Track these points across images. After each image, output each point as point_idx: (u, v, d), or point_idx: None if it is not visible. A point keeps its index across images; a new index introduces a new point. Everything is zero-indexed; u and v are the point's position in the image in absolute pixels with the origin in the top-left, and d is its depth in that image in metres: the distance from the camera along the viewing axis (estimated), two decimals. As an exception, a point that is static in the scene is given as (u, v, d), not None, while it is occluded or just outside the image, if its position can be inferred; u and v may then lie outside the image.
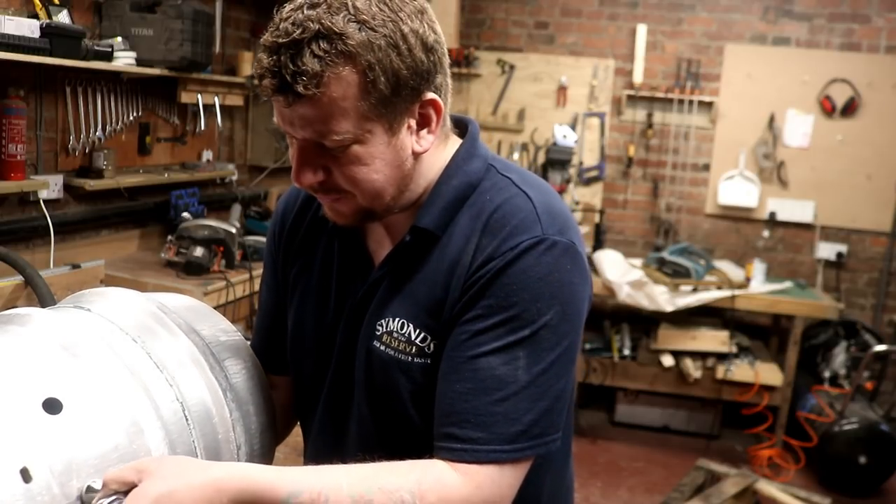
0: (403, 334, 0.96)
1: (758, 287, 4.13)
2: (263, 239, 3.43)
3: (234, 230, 3.05)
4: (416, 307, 0.96)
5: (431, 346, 0.96)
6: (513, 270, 0.90)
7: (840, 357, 4.18)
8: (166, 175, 3.23)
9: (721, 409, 4.24)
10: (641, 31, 4.61)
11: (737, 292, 4.02)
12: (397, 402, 0.98)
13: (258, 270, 3.07)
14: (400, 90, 0.88)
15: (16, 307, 2.11)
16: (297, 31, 0.83)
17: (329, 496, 0.83)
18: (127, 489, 0.77)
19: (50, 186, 2.68)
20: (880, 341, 4.22)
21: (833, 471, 3.78)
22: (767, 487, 3.19)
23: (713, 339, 4.15)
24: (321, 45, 0.83)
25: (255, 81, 0.88)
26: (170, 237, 3.03)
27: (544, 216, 0.94)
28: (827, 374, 4.16)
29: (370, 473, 0.87)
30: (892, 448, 3.69)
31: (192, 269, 2.87)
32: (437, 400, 0.94)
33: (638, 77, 4.62)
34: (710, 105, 4.59)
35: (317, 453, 1.11)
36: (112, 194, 2.99)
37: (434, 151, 0.98)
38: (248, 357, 1.06)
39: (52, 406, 0.77)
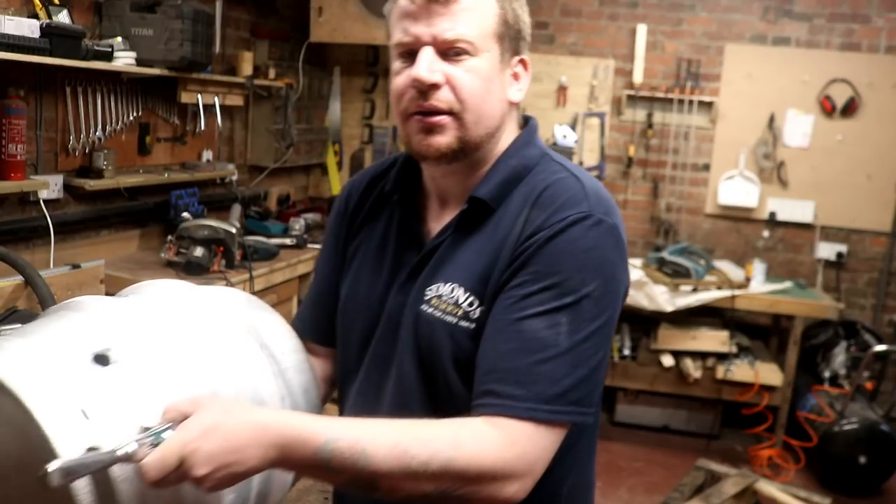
0: (452, 298, 1.02)
1: (758, 287, 4.13)
2: (263, 239, 3.45)
3: (234, 230, 3.05)
4: (466, 273, 1.03)
5: (477, 311, 1.01)
6: (559, 240, 0.97)
7: (840, 357, 4.18)
8: (166, 175, 3.23)
9: (721, 409, 4.24)
10: (641, 31, 4.61)
11: (737, 292, 4.02)
12: (440, 364, 1.03)
13: (258, 270, 3.08)
14: (515, 33, 1.05)
15: (16, 307, 2.11)
16: None
17: (366, 443, 0.87)
18: (181, 419, 0.83)
19: (50, 186, 2.68)
20: (880, 341, 4.22)
21: (833, 471, 3.77)
22: (767, 487, 3.19)
23: (713, 339, 4.15)
24: None
25: None
26: (170, 237, 3.03)
27: (592, 196, 1.01)
28: (827, 374, 4.16)
29: (407, 425, 0.91)
30: (892, 448, 3.69)
31: (192, 269, 2.87)
32: (479, 360, 0.98)
33: (638, 77, 4.62)
34: (710, 105, 4.59)
35: (354, 415, 1.13)
36: (112, 194, 2.99)
37: (510, 127, 1.09)
38: (282, 323, 1.10)
39: (102, 359, 0.85)
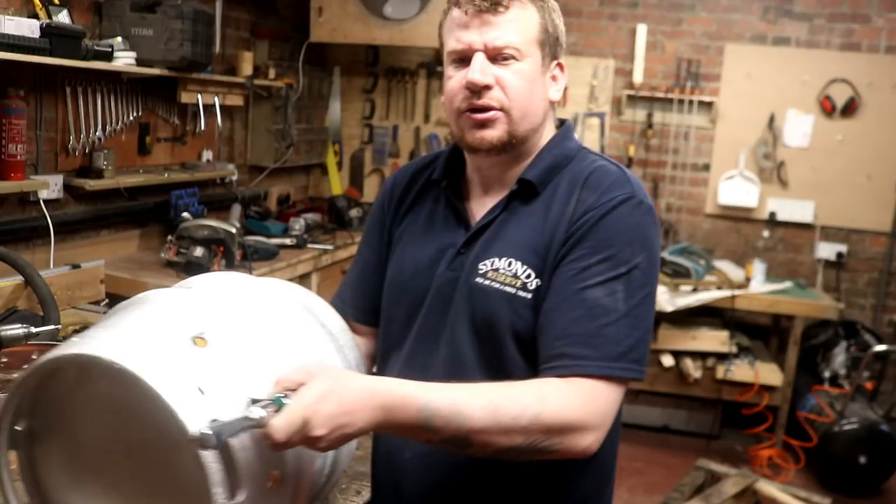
0: (510, 270, 1.13)
1: (758, 287, 4.13)
2: (263, 239, 3.45)
3: (234, 230, 3.04)
4: (522, 249, 1.13)
5: (534, 283, 1.11)
6: (610, 218, 1.09)
7: (840, 357, 4.18)
8: (166, 175, 3.23)
9: (721, 409, 4.24)
10: (641, 31, 4.61)
11: (737, 292, 4.02)
12: (496, 332, 1.13)
13: (258, 270, 3.07)
14: (554, 40, 1.18)
15: (16, 307, 2.11)
16: None
17: (462, 403, 0.96)
18: (295, 387, 0.89)
19: (50, 186, 2.68)
20: (880, 341, 4.22)
21: (833, 471, 3.77)
22: (767, 487, 3.19)
23: (713, 339, 4.15)
24: None
25: (454, 1, 1.15)
26: (170, 237, 3.03)
27: (633, 181, 1.15)
28: (827, 374, 4.16)
29: (494, 385, 1.01)
30: (892, 448, 3.69)
31: (192, 269, 2.86)
32: (546, 327, 1.08)
33: (638, 77, 4.62)
34: (710, 105, 4.59)
35: None
36: (112, 194, 2.99)
37: (549, 123, 1.23)
38: (338, 317, 1.17)
39: (199, 342, 0.91)
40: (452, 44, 1.15)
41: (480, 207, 1.22)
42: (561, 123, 1.27)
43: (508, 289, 1.12)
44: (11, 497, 0.95)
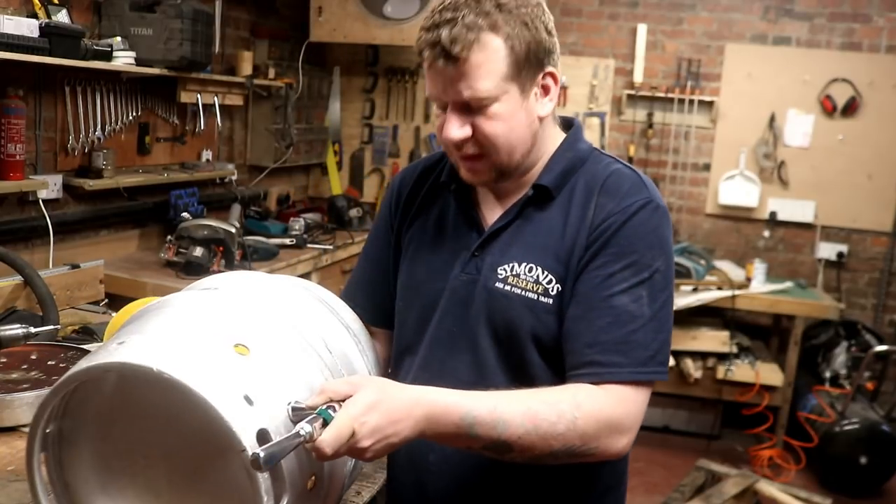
0: (531, 276, 1.13)
1: (758, 287, 4.13)
2: (263, 239, 3.44)
3: (233, 230, 3.04)
4: (543, 254, 1.13)
5: (556, 288, 1.11)
6: (631, 223, 1.09)
7: (841, 357, 4.17)
8: (166, 175, 3.23)
9: (721, 409, 4.24)
10: (642, 30, 4.61)
11: (737, 292, 4.02)
12: (517, 337, 1.13)
13: (258, 270, 3.07)
14: (530, 60, 1.10)
15: (15, 307, 2.11)
16: (452, 12, 1.06)
17: (502, 411, 0.98)
18: (340, 399, 0.91)
19: (49, 186, 2.67)
20: (881, 341, 4.22)
21: (834, 471, 3.77)
22: (768, 488, 3.19)
23: (713, 339, 4.15)
24: (472, 19, 1.05)
25: (418, 55, 1.10)
26: (169, 237, 3.03)
27: (648, 184, 1.15)
28: (827, 374, 4.16)
29: (529, 392, 1.03)
30: (892, 448, 3.68)
31: (192, 269, 2.86)
32: (575, 336, 1.09)
33: (638, 77, 4.62)
34: (710, 105, 4.59)
35: None
36: (111, 194, 2.98)
37: (551, 131, 1.20)
38: (357, 317, 1.18)
39: (240, 349, 0.92)
40: (429, 90, 1.12)
41: (492, 211, 1.22)
42: (569, 124, 1.26)
43: (530, 294, 1.12)
44: (44, 500, 0.95)
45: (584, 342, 1.07)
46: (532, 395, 1.02)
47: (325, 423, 0.87)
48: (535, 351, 1.13)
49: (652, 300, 1.08)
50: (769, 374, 4.04)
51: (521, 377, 1.12)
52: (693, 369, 4.07)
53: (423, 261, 1.25)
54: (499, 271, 1.15)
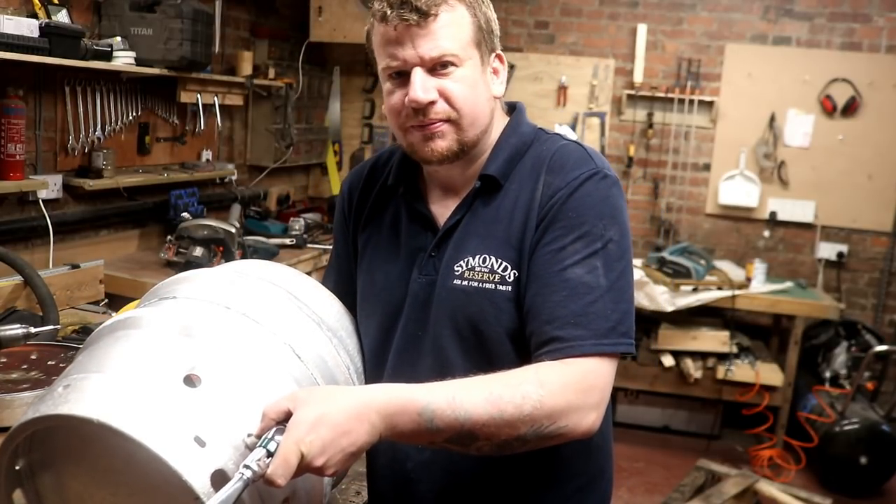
0: (486, 267, 1.12)
1: (758, 287, 4.13)
2: (263, 239, 3.44)
3: (233, 230, 3.04)
4: (495, 242, 1.12)
5: (512, 275, 1.10)
6: (578, 195, 1.08)
7: (841, 357, 4.17)
8: (166, 175, 3.22)
9: (721, 409, 4.24)
10: (642, 30, 4.61)
11: (737, 292, 4.02)
12: (481, 330, 1.11)
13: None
14: (489, 34, 1.13)
15: (15, 307, 2.11)
16: None
17: (462, 398, 0.94)
18: (285, 418, 0.87)
19: (49, 186, 2.67)
20: (881, 341, 4.21)
21: (834, 471, 3.77)
22: (768, 488, 3.19)
23: (713, 340, 4.15)
24: None
25: (375, 21, 1.09)
26: (169, 237, 3.03)
27: (594, 156, 1.14)
28: (828, 374, 4.15)
29: (489, 377, 0.99)
30: (893, 448, 3.68)
31: (192, 269, 2.86)
32: (533, 315, 1.07)
33: (638, 77, 4.62)
34: (710, 105, 4.59)
35: None
36: (111, 194, 2.98)
37: (499, 115, 1.19)
38: (321, 289, 1.16)
39: (191, 381, 0.87)
40: (387, 61, 1.10)
41: (443, 208, 1.20)
42: (511, 108, 1.24)
43: (487, 285, 1.11)
44: None
45: (543, 319, 1.05)
46: (492, 379, 0.98)
47: (271, 454, 0.83)
48: (500, 341, 1.11)
49: (608, 270, 1.05)
50: (769, 374, 4.04)
51: (488, 371, 1.07)
52: (693, 369, 4.07)
53: (380, 269, 1.22)
54: (455, 268, 1.13)
